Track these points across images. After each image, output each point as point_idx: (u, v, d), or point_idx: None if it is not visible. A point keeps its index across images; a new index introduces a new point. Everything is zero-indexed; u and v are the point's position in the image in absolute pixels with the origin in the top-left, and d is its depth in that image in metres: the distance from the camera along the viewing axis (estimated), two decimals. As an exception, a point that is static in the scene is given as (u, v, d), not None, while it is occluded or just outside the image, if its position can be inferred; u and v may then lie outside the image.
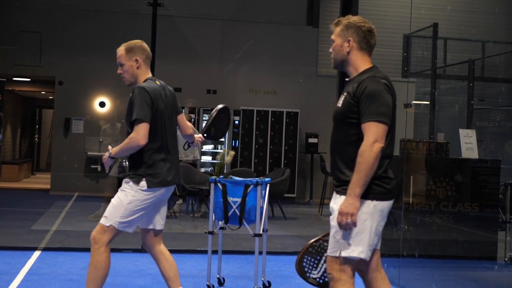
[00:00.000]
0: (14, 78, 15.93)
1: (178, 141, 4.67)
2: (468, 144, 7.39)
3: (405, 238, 6.27)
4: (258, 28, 15.00)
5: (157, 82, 4.60)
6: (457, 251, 7.31)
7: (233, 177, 6.04)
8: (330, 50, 3.70)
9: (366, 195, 3.42)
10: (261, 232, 5.73)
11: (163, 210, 4.69)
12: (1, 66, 14.44)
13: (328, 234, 3.72)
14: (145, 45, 4.67)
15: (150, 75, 4.65)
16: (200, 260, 7.16)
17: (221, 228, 5.95)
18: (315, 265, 4.06)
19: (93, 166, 14.63)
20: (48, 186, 14.82)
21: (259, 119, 14.63)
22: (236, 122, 14.58)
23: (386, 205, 3.51)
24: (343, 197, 3.47)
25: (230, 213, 5.71)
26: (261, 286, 5.88)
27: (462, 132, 7.50)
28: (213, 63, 14.88)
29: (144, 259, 7.22)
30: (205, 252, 7.02)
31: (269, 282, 6.00)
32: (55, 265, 6.74)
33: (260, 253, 5.84)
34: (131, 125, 4.37)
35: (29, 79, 16.37)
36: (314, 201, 14.38)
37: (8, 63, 14.34)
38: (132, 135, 4.32)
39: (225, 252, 6.61)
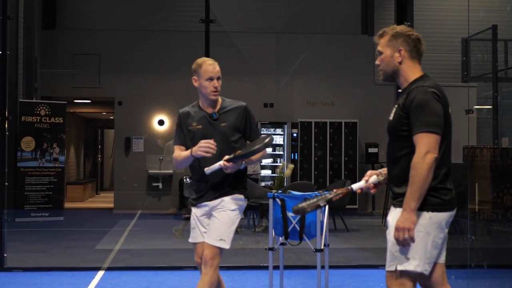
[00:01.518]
0: (75, 100, 16.27)
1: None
2: (534, 149, 7.13)
3: (472, 248, 6.06)
4: (312, 39, 14.92)
5: None
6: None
7: (292, 191, 5.96)
8: (378, 62, 3.62)
9: (422, 206, 3.35)
10: (322, 247, 5.62)
11: None
12: (62, 89, 14.76)
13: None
14: None
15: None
16: (262, 276, 7.10)
17: (282, 244, 5.87)
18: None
19: (154, 184, 14.77)
20: (112, 205, 15.02)
21: (317, 131, 14.52)
22: (295, 135, 14.51)
23: (444, 216, 3.41)
24: (399, 210, 3.40)
25: (290, 229, 5.63)
26: (325, 302, 5.77)
27: (527, 136, 7.24)
28: (269, 76, 14.87)
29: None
30: (264, 268, 6.97)
31: (332, 298, 5.89)
32: (119, 285, 6.78)
33: (323, 267, 5.74)
34: None
35: (89, 101, 16.69)
36: (377, 212, 14.17)
37: (69, 86, 14.67)
38: None
39: (286, 267, 6.54)
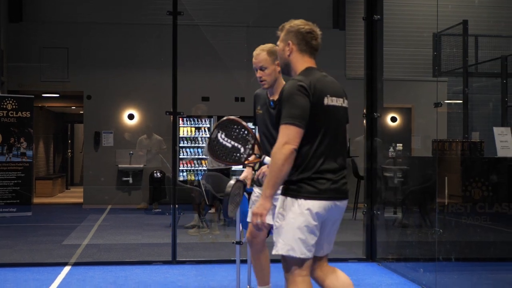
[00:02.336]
0: (43, 95, 16.03)
1: None
2: (504, 143, 7.15)
3: (440, 241, 6.06)
4: (284, 33, 14.86)
5: None
6: (496, 253, 7.07)
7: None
8: (279, 59, 3.82)
9: (296, 194, 3.51)
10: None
11: None
12: (29, 82, 14.52)
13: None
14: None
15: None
16: (230, 270, 7.03)
17: (249, 237, 5.79)
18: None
19: (124, 179, 14.62)
20: (82, 200, 14.85)
21: (288, 125, 14.47)
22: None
23: (317, 204, 3.52)
24: (282, 197, 3.58)
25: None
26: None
27: (497, 130, 7.26)
28: (240, 71, 14.77)
29: (174, 271, 7.13)
30: (230, 262, 6.93)
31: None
32: (85, 280, 6.66)
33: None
34: None
35: (57, 95, 16.46)
36: (348, 206, 14.16)
37: (36, 79, 14.42)
38: None
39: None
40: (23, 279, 6.70)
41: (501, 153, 7.24)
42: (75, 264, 7.53)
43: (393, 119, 15.32)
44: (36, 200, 15.43)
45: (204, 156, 14.30)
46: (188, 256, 7.82)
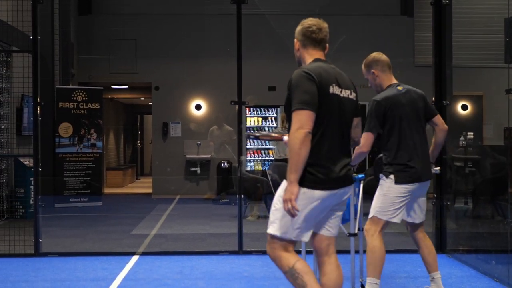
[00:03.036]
0: (112, 86, 16.31)
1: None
2: None
3: (513, 233, 5.84)
4: (351, 21, 14.65)
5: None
6: None
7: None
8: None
9: (300, 181, 3.62)
10: (356, 231, 5.46)
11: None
12: (99, 74, 14.81)
13: None
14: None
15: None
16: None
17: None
18: None
19: (192, 169, 14.74)
20: (151, 190, 15.06)
21: (356, 114, 14.27)
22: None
23: (318, 194, 3.68)
24: (284, 181, 3.72)
25: (322, 213, 5.48)
26: (359, 287, 5.62)
27: None
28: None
29: (240, 261, 7.13)
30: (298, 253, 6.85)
31: (367, 283, 5.72)
32: (152, 270, 6.73)
33: (357, 252, 5.59)
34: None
35: (126, 86, 16.73)
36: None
37: (105, 71, 14.70)
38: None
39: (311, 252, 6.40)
40: (92, 268, 6.82)
41: None
42: (143, 253, 7.63)
43: (464, 107, 14.92)
44: (106, 190, 15.75)
45: (271, 146, 14.27)
46: (254, 246, 7.79)
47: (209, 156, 14.46)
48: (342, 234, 5.57)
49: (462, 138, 11.02)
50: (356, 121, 3.98)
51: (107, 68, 14.65)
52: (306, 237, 3.86)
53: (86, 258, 7.32)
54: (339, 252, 7.33)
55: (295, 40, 4.05)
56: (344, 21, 14.67)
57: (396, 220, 5.10)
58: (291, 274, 3.76)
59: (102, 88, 13.38)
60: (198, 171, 14.76)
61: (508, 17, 13.40)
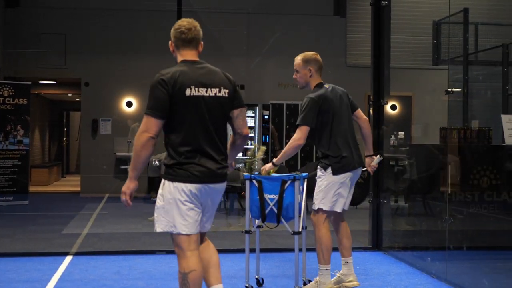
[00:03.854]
0: (40, 81, 15.84)
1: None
2: (511, 130, 7.04)
3: (451, 230, 5.96)
4: (284, 20, 14.70)
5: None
6: (504, 241, 6.98)
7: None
8: None
9: (172, 178, 3.90)
10: (300, 229, 5.46)
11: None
12: (26, 69, 14.34)
13: None
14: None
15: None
16: (236, 260, 6.93)
17: (258, 226, 5.70)
18: None
19: (122, 167, 14.47)
20: (79, 189, 14.71)
21: (289, 113, 14.36)
22: (266, 117, 14.33)
23: (190, 187, 3.90)
24: (162, 180, 4.00)
25: (267, 211, 5.45)
26: (302, 286, 5.62)
27: (505, 118, 7.14)
28: (240, 58, 14.62)
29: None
30: (240, 251, 6.83)
31: (310, 281, 5.73)
32: (88, 270, 6.55)
33: (300, 250, 5.59)
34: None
35: (54, 82, 16.27)
36: (348, 195, 14.05)
37: (33, 66, 14.23)
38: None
39: (261, 250, 6.38)
40: (25, 269, 6.58)
41: (509, 140, 7.12)
42: (77, 253, 7.42)
43: (393, 107, 15.21)
44: (31, 188, 15.22)
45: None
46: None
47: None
48: (286, 232, 5.57)
49: (392, 137, 11.24)
50: (236, 112, 4.14)
51: (34, 63, 14.19)
52: (196, 229, 3.99)
53: (17, 259, 7.06)
54: (286, 250, 7.39)
55: (170, 42, 4.18)
56: (276, 20, 14.72)
57: (338, 209, 5.45)
58: (182, 278, 3.94)
59: (30, 83, 12.97)
60: (128, 169, 14.47)
61: (436, 20, 13.77)
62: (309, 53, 5.67)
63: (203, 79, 3.99)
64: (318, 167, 5.47)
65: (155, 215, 4.01)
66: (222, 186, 4.08)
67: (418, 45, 15.02)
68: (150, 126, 3.84)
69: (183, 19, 4.16)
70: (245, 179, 5.55)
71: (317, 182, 5.46)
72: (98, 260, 7.04)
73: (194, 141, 3.92)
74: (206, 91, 3.97)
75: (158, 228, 3.99)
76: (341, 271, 5.66)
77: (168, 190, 3.91)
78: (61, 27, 14.13)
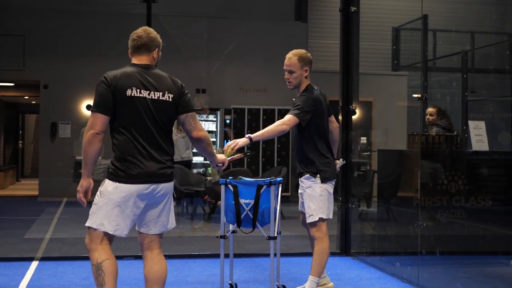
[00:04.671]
0: (-4, 83, 15.55)
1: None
2: (478, 136, 7.18)
3: (423, 234, 6.04)
4: (245, 24, 14.72)
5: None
6: (473, 246, 7.10)
7: (243, 178, 5.77)
8: None
9: (113, 177, 4.03)
10: (275, 234, 5.46)
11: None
12: (-17, 71, 14.04)
13: None
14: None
15: None
16: (205, 265, 6.89)
17: (233, 231, 5.68)
18: None
19: (81, 171, 14.24)
20: (35, 193, 14.47)
21: (250, 118, 14.37)
22: (227, 121, 14.32)
23: (129, 187, 4.00)
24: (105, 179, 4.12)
25: (242, 216, 5.43)
26: (276, 291, 5.61)
27: (472, 123, 7.28)
28: (200, 62, 14.58)
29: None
30: (207, 256, 6.81)
31: (284, 287, 5.73)
32: (56, 276, 6.43)
33: (275, 255, 5.58)
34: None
35: (12, 84, 15.96)
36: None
37: (-10, 67, 13.95)
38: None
39: (234, 256, 6.36)
40: (-9, 274, 6.43)
41: (475, 146, 7.26)
42: (43, 258, 7.28)
43: (353, 112, 15.34)
44: (-13, 192, 14.97)
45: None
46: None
47: (100, 157, 14.01)
48: (262, 237, 5.56)
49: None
50: (183, 117, 4.25)
51: (-9, 64, 13.91)
52: (122, 232, 4.09)
53: (-19, 264, 6.90)
54: (257, 255, 7.39)
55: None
56: (237, 25, 14.73)
57: (331, 216, 5.41)
58: (96, 269, 4.03)
59: (-13, 85, 12.70)
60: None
61: (396, 26, 13.96)
62: (303, 51, 5.50)
63: (146, 82, 4.11)
64: (306, 176, 5.35)
65: (90, 210, 4.12)
66: (165, 186, 4.16)
67: (378, 51, 15.19)
68: (95, 123, 3.97)
69: (141, 28, 4.34)
70: (221, 183, 5.52)
71: (308, 191, 5.37)
72: (66, 265, 6.92)
73: (135, 141, 4.04)
74: (149, 94, 4.09)
75: (88, 223, 4.09)
76: None
77: (107, 188, 4.05)
78: (20, 29, 13.88)
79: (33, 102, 17.79)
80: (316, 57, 15.03)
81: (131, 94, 4.03)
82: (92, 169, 4.08)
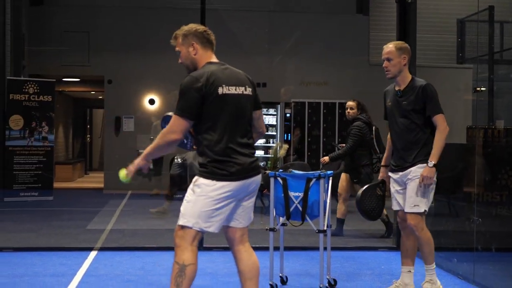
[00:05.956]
0: (63, 79, 15.95)
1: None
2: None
3: (479, 231, 5.90)
4: (306, 18, 14.67)
5: None
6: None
7: (293, 170, 5.77)
8: (180, 61, 4.22)
9: (208, 175, 3.96)
10: (325, 227, 5.44)
11: None
12: (50, 67, 14.45)
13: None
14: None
15: None
16: (259, 258, 6.89)
17: (283, 224, 5.69)
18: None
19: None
20: (102, 185, 14.80)
21: (311, 111, 14.32)
22: (288, 115, 14.31)
23: (226, 185, 3.95)
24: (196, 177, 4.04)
25: (292, 209, 5.44)
26: (327, 285, 5.60)
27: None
28: (261, 56, 14.61)
29: (202, 257, 7.01)
30: (263, 249, 6.80)
31: (334, 281, 5.71)
32: (112, 266, 6.59)
33: (324, 249, 5.57)
34: None
35: (78, 79, 16.38)
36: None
37: (57, 63, 14.34)
38: None
39: (285, 248, 6.37)
40: (51, 263, 6.63)
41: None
42: (101, 249, 7.46)
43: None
44: (56, 184, 15.35)
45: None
46: (215, 242, 7.66)
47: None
48: (312, 230, 5.55)
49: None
50: (258, 113, 4.26)
51: (58, 60, 14.29)
52: (216, 229, 4.05)
53: (43, 253, 7.12)
54: (312, 248, 7.38)
55: (189, 44, 4.18)
56: (298, 18, 14.68)
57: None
58: (180, 269, 3.98)
59: (54, 80, 13.07)
60: (151, 166, 14.48)
61: (461, 18, 13.64)
62: (400, 42, 5.43)
63: (230, 78, 4.07)
64: (419, 165, 5.07)
65: (182, 208, 4.03)
66: (256, 179, 4.12)
67: (442, 43, 14.89)
68: (179, 128, 3.93)
69: (195, 24, 4.26)
70: (270, 176, 5.54)
71: (411, 181, 5.10)
72: (123, 255, 7.08)
73: (228, 138, 3.98)
74: (235, 89, 4.05)
75: (181, 222, 4.00)
76: (400, 281, 5.46)
77: (202, 186, 3.96)
78: (85, 25, 14.23)
79: (100, 97, 18.20)
80: (378, 50, 14.93)
81: (223, 92, 3.97)
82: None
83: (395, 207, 5.32)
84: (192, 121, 3.94)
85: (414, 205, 5.08)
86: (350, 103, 8.47)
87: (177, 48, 4.23)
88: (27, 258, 6.83)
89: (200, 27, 4.20)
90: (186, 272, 3.96)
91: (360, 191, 5.57)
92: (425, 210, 5.11)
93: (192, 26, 4.20)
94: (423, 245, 5.20)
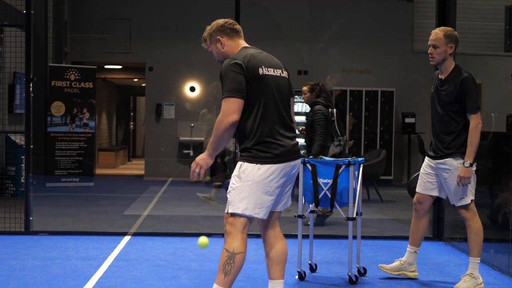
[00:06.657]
0: (105, 66, 16.10)
1: None
2: None
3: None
4: (348, 5, 14.46)
5: None
6: None
7: (324, 157, 5.68)
8: (216, 60, 4.24)
9: (252, 159, 3.91)
10: (354, 215, 5.35)
11: None
12: (92, 54, 14.60)
13: None
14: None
15: None
16: (291, 245, 6.85)
17: (312, 211, 5.62)
18: None
19: (185, 151, 14.59)
20: (143, 172, 14.92)
21: (352, 100, 14.16)
22: (329, 103, 14.16)
23: (273, 168, 3.91)
24: (238, 162, 3.99)
25: (320, 196, 5.36)
26: (356, 273, 5.51)
27: None
28: (302, 43, 14.49)
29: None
30: (293, 236, 6.75)
31: (364, 269, 5.62)
32: (144, 250, 6.62)
33: (354, 237, 5.48)
34: None
35: (120, 66, 16.51)
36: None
37: (99, 51, 14.48)
38: None
39: (315, 236, 6.30)
40: (83, 247, 6.70)
41: None
42: (135, 234, 7.51)
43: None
44: (98, 171, 15.59)
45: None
46: (250, 229, 7.65)
47: (202, 138, 14.28)
48: (340, 218, 5.47)
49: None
50: (292, 100, 4.25)
51: (100, 48, 14.42)
52: (266, 214, 4.00)
53: (77, 238, 7.20)
54: (335, 237, 7.31)
55: (216, 41, 4.23)
56: (341, 5, 14.49)
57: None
58: (229, 256, 3.92)
59: (95, 67, 13.19)
60: (191, 153, 14.58)
61: (509, 5, 13.27)
62: (450, 28, 5.24)
63: (268, 60, 4.09)
64: (456, 157, 5.07)
65: (228, 196, 3.98)
66: (298, 163, 4.11)
67: (488, 30, 14.52)
68: (233, 108, 3.86)
69: (217, 20, 4.28)
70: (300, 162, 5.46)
71: (456, 173, 5.08)
72: (155, 241, 7.11)
73: (271, 120, 3.96)
74: (274, 71, 4.06)
75: (231, 210, 3.94)
76: (405, 259, 5.56)
77: (247, 172, 3.91)
78: (126, 13, 14.31)
79: (143, 84, 18.34)
80: (422, 37, 14.65)
81: (263, 73, 3.97)
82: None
83: (418, 188, 5.40)
84: (243, 100, 3.89)
85: (461, 198, 5.11)
86: (303, 88, 8.16)
87: (209, 50, 4.29)
88: (62, 242, 6.92)
89: (220, 20, 4.22)
90: (236, 261, 3.92)
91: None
92: (471, 200, 5.12)
93: (213, 23, 4.24)
94: (472, 234, 5.15)
